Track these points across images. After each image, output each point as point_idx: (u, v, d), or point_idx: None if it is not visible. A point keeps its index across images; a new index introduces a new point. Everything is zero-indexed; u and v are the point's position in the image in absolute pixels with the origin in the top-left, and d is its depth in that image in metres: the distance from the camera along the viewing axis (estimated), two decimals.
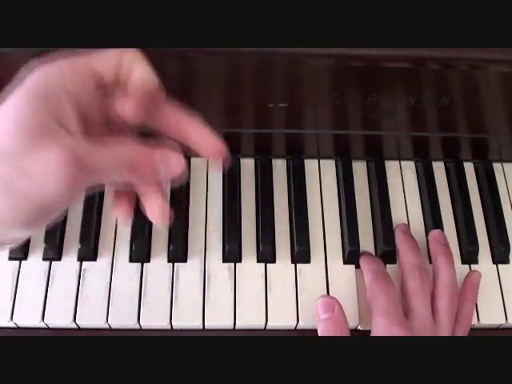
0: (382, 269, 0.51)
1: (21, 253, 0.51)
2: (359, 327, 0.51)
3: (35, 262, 0.51)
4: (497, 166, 0.60)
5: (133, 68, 0.34)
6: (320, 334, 0.48)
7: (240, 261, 0.52)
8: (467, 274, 0.53)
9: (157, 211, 0.36)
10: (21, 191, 0.30)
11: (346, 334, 0.48)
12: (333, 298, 0.50)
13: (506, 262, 0.55)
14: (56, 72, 0.33)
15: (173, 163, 0.34)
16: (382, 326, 0.47)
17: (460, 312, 0.50)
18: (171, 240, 0.52)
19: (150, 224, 0.53)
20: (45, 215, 0.33)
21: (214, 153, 0.37)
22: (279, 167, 0.58)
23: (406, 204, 0.57)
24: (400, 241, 0.53)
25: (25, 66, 0.33)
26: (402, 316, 0.47)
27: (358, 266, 0.53)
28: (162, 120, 0.37)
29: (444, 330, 0.48)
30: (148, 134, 0.37)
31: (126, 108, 0.34)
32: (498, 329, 0.53)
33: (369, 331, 0.49)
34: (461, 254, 0.55)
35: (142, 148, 0.34)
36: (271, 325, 0.50)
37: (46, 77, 0.32)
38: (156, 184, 0.37)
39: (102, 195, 0.54)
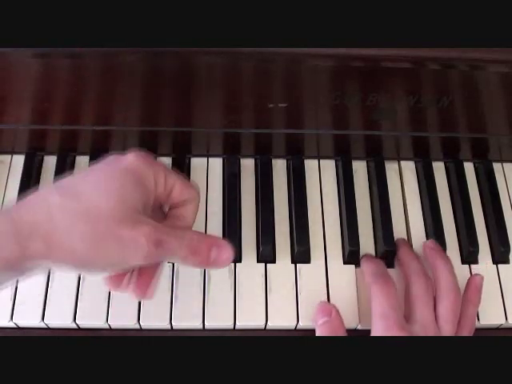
0: (383, 270, 0.51)
1: None
2: (359, 327, 0.51)
3: None
4: (497, 166, 0.60)
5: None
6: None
7: (240, 261, 0.52)
8: (470, 277, 0.53)
9: (149, 291, 0.42)
10: (106, 249, 0.36)
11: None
12: (330, 303, 0.50)
13: (506, 262, 0.55)
14: (153, 168, 0.40)
15: (225, 253, 0.40)
16: (381, 329, 0.47)
17: (463, 315, 0.50)
18: None
19: None
20: (111, 269, 0.40)
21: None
22: (279, 167, 0.58)
23: (405, 204, 0.57)
24: (402, 251, 0.53)
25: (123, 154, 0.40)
26: (402, 319, 0.47)
27: (358, 266, 0.53)
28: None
29: (447, 335, 0.48)
30: None
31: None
32: (498, 329, 0.53)
33: (368, 331, 0.49)
34: (461, 254, 0.55)
35: (203, 235, 0.41)
36: (271, 325, 0.50)
37: (146, 169, 0.40)
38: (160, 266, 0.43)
39: None
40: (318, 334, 0.49)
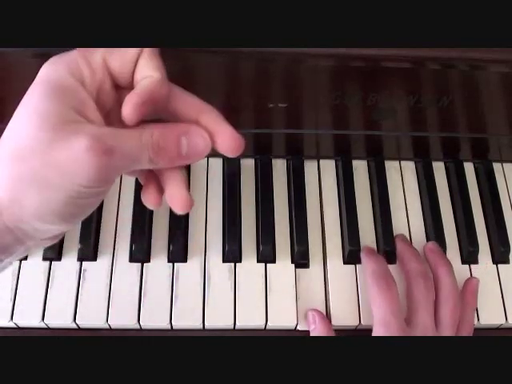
0: (383, 270, 0.51)
1: None
2: (359, 327, 0.51)
3: (35, 261, 0.51)
4: (497, 166, 0.60)
5: (144, 68, 0.34)
6: None
7: (240, 261, 0.52)
8: (465, 281, 0.53)
9: (178, 199, 0.36)
10: (54, 183, 0.31)
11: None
12: (314, 310, 0.51)
13: (506, 262, 0.55)
14: (70, 66, 0.33)
15: (198, 141, 0.34)
16: (382, 335, 0.47)
17: (461, 318, 0.50)
18: (171, 240, 0.52)
19: (150, 224, 0.53)
20: (80, 207, 0.34)
21: (230, 145, 0.35)
22: (279, 167, 0.58)
23: (406, 204, 0.57)
24: (401, 249, 0.53)
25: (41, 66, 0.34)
26: (403, 323, 0.47)
27: (358, 264, 0.53)
28: (170, 112, 0.35)
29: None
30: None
31: (123, 111, 0.33)
32: (498, 329, 0.53)
33: (369, 330, 0.49)
34: (461, 254, 0.55)
35: (165, 124, 0.34)
36: (271, 325, 0.50)
37: (59, 71, 0.33)
38: (178, 171, 0.36)
39: None
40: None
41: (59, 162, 0.31)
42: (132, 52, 0.34)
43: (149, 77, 0.34)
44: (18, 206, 0.32)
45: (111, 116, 0.35)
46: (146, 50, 0.34)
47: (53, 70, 0.33)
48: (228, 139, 0.35)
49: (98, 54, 0.34)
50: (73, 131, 0.31)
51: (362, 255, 0.53)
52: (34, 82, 0.33)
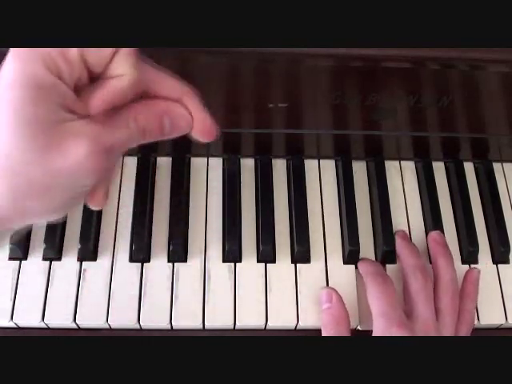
0: (380, 270, 0.51)
1: (21, 253, 0.51)
2: (359, 327, 0.51)
3: (35, 261, 0.51)
4: (497, 166, 0.60)
5: (118, 64, 0.33)
6: (322, 323, 0.49)
7: (240, 261, 0.52)
8: (466, 272, 0.53)
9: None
10: (57, 188, 0.31)
11: (345, 322, 0.49)
12: (332, 288, 0.50)
13: (506, 261, 0.55)
14: (45, 61, 0.31)
15: (179, 119, 0.34)
16: (382, 327, 0.47)
17: (462, 309, 0.50)
18: (171, 240, 0.52)
19: (150, 224, 0.53)
20: (84, 195, 0.34)
21: (202, 131, 0.35)
22: (279, 167, 0.58)
23: (406, 204, 0.57)
24: (400, 246, 0.53)
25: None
26: (403, 316, 0.47)
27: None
28: (150, 94, 0.35)
29: (447, 330, 0.48)
30: None
31: (90, 108, 0.32)
32: (498, 329, 0.53)
33: (369, 331, 0.49)
34: (461, 254, 0.55)
35: (146, 104, 0.34)
36: (271, 325, 0.50)
37: (36, 68, 0.30)
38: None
39: None
40: (322, 319, 0.49)
41: (61, 169, 0.30)
42: (109, 49, 0.33)
43: (120, 76, 0.33)
44: (19, 213, 0.32)
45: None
46: (124, 49, 0.33)
47: (29, 68, 0.30)
48: (201, 125, 0.35)
49: (73, 49, 0.32)
50: (67, 133, 0.30)
51: (359, 264, 0.53)
52: (8, 82, 0.30)
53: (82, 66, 0.32)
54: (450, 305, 0.49)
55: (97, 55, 0.33)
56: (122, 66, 0.33)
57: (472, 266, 0.55)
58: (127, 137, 0.33)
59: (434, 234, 0.54)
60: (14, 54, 0.30)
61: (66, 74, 0.31)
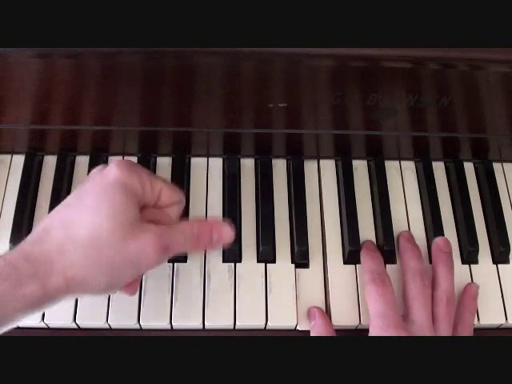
0: (381, 269, 0.51)
1: None
2: (359, 327, 0.51)
3: None
4: (497, 166, 0.60)
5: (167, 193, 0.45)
6: None
7: (240, 261, 0.52)
8: (465, 287, 0.53)
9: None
10: (123, 269, 0.39)
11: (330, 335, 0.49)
12: (315, 306, 0.51)
13: (506, 261, 0.55)
14: (140, 177, 0.42)
15: (225, 233, 0.44)
16: (378, 328, 0.47)
17: (460, 321, 0.50)
18: None
19: None
20: (124, 282, 0.42)
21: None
22: (279, 167, 0.58)
23: (406, 204, 0.57)
24: (403, 247, 0.53)
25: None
26: (399, 318, 0.47)
27: (358, 264, 0.53)
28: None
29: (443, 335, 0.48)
30: None
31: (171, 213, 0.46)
32: (498, 329, 0.53)
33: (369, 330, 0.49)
34: (461, 254, 0.55)
35: (200, 223, 0.44)
36: (271, 325, 0.50)
37: (133, 177, 0.41)
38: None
39: None
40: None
41: (130, 253, 0.39)
42: (160, 183, 0.44)
43: (177, 202, 0.46)
44: (84, 284, 0.38)
45: None
46: (166, 183, 0.45)
47: (128, 176, 0.41)
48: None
49: (160, 182, 0.44)
50: (142, 229, 0.40)
51: (362, 251, 0.53)
52: (109, 181, 0.41)
53: (155, 195, 0.44)
54: (444, 312, 0.49)
55: (167, 195, 0.44)
56: (169, 194, 0.45)
57: (472, 265, 0.55)
58: (183, 240, 0.42)
59: (439, 240, 0.54)
60: (117, 164, 0.42)
61: (146, 193, 0.43)
